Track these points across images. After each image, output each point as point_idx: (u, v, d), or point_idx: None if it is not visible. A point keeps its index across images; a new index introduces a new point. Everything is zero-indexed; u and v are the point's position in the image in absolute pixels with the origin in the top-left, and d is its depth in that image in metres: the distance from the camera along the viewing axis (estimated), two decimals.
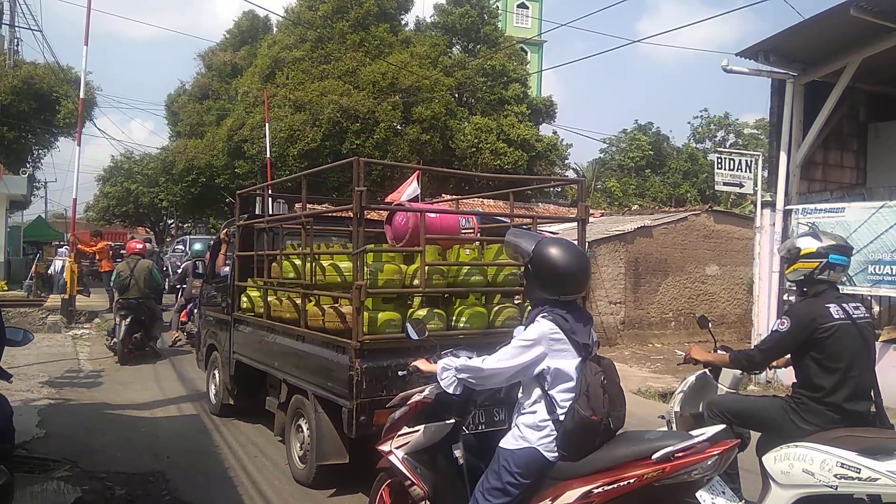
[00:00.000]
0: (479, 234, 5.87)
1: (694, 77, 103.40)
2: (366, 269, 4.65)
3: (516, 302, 5.66)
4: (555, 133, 30.14)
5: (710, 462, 2.78)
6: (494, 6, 30.29)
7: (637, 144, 37.56)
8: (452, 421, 3.49)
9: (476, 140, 23.86)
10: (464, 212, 8.09)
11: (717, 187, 10.66)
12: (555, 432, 2.96)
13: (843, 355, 3.59)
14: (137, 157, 33.47)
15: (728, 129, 41.11)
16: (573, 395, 2.94)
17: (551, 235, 3.71)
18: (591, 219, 18.52)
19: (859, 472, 3.24)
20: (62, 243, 21.59)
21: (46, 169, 41.25)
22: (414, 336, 3.87)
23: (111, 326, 11.40)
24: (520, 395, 3.16)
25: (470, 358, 3.32)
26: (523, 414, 3.06)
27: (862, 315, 3.70)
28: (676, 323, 13.93)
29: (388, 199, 6.39)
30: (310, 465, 5.13)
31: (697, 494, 2.80)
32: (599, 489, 2.83)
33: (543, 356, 2.97)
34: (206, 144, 25.50)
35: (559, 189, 36.34)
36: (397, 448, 3.57)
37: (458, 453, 3.46)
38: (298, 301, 5.42)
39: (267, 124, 19.51)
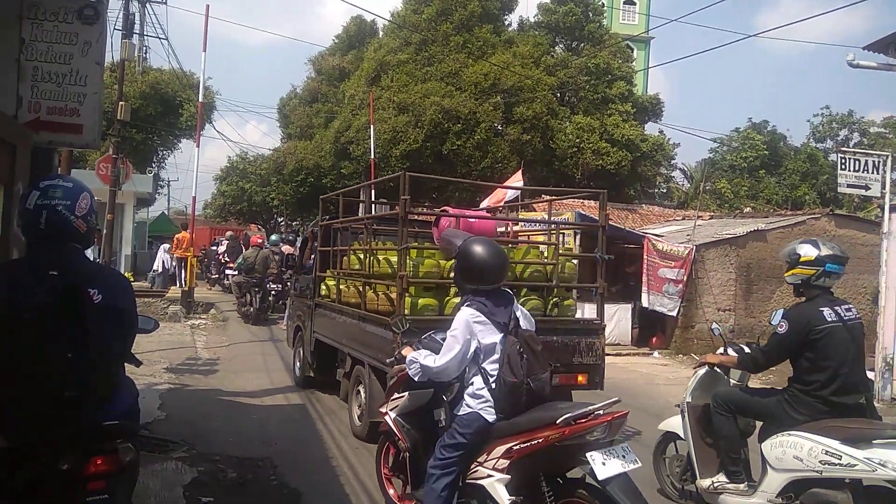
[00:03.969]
0: (512, 237, 7.38)
1: (815, 72, 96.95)
2: (409, 262, 5.79)
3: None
4: (661, 132, 29.15)
5: (601, 427, 3.29)
6: (600, 3, 29.53)
7: (751, 144, 35.58)
8: (431, 389, 4.07)
9: (577, 140, 23.43)
10: (498, 217, 9.33)
11: (839, 189, 10.04)
12: (490, 398, 3.57)
13: (834, 354, 3.95)
14: (251, 158, 34.92)
15: (852, 128, 38.24)
16: (498, 364, 3.53)
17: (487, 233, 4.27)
18: (699, 221, 17.82)
19: (840, 459, 3.68)
20: (164, 239, 23.47)
21: (169, 168, 44.34)
22: (397, 330, 4.68)
23: (242, 298, 14.87)
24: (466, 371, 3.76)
25: (443, 341, 3.80)
26: (468, 385, 3.68)
27: (853, 317, 4.07)
28: None
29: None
30: (364, 422, 6.32)
31: (587, 454, 3.23)
32: (517, 446, 3.44)
33: (472, 338, 3.57)
34: (314, 146, 26.41)
35: (665, 190, 35.24)
36: (391, 409, 4.33)
37: (439, 415, 3.99)
38: (360, 288, 6.68)
39: (372, 126, 20.00)
